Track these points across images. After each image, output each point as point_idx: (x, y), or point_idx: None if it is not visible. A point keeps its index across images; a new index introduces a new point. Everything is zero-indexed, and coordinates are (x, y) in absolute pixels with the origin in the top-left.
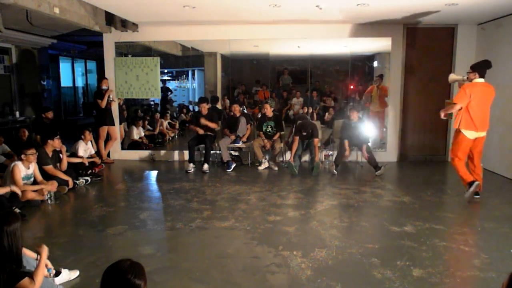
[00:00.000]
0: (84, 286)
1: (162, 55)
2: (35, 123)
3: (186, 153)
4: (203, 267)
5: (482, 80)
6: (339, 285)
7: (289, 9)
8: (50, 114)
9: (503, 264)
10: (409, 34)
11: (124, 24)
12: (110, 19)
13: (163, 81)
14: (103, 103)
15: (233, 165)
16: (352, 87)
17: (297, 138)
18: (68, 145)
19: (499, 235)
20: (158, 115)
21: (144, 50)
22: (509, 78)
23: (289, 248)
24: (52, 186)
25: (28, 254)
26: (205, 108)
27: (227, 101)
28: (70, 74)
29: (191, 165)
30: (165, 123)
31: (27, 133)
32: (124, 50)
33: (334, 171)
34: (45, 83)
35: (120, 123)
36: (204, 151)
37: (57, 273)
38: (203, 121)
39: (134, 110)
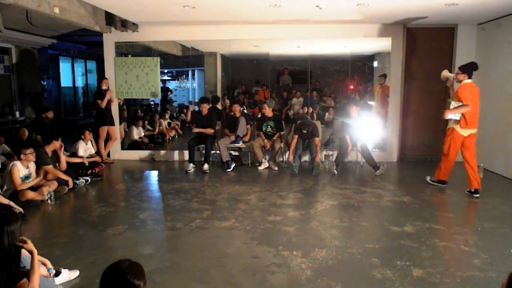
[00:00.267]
0: (84, 286)
1: (162, 55)
2: (35, 123)
3: (186, 153)
4: (203, 267)
5: (470, 80)
6: (339, 285)
7: (289, 9)
8: (50, 114)
9: (503, 264)
10: (409, 34)
11: (124, 24)
12: (110, 19)
13: (163, 81)
14: (103, 103)
15: (233, 165)
16: (352, 87)
17: (296, 137)
18: (68, 145)
19: (499, 235)
20: (157, 115)
21: (144, 50)
22: (509, 78)
23: (289, 248)
24: (49, 178)
25: (26, 253)
26: (205, 108)
27: (227, 101)
28: (70, 74)
29: (191, 165)
30: (164, 123)
31: (27, 132)
32: (124, 50)
33: (334, 171)
34: (45, 83)
35: (120, 123)
36: (204, 151)
37: (57, 273)
38: (196, 129)
39: (134, 110)
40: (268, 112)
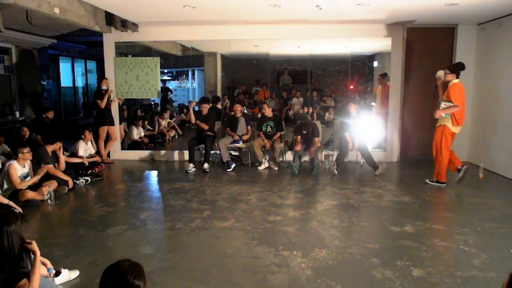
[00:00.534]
0: (84, 286)
1: (162, 55)
2: (36, 123)
3: (186, 153)
4: (203, 267)
5: (458, 80)
6: (339, 285)
7: (289, 9)
8: (50, 114)
9: (503, 264)
10: (409, 34)
11: (124, 24)
12: (110, 19)
13: (163, 81)
14: (103, 103)
15: (233, 165)
16: (352, 87)
17: (299, 137)
18: (68, 145)
19: (499, 235)
20: (157, 116)
21: (144, 50)
22: (509, 78)
23: (289, 248)
24: (43, 170)
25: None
26: (205, 108)
27: (227, 101)
28: (70, 74)
29: (191, 165)
30: (163, 123)
31: (28, 132)
32: (124, 50)
33: (335, 171)
34: (45, 83)
35: (120, 123)
36: (204, 151)
37: (57, 273)
38: (197, 121)
39: (134, 110)
40: (268, 112)
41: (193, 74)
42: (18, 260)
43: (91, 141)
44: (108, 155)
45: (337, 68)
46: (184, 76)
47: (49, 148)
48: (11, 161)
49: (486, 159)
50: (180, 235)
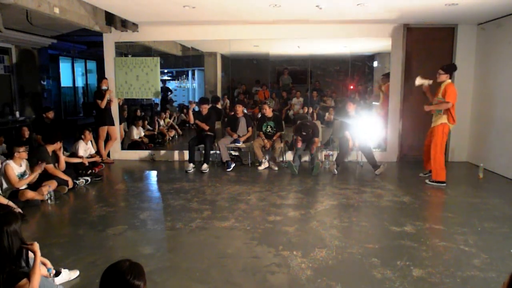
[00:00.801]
0: (84, 286)
1: (162, 55)
2: (36, 123)
3: (186, 153)
4: (203, 267)
5: (450, 81)
6: (339, 285)
7: (289, 9)
8: (50, 114)
9: (503, 264)
10: (409, 34)
11: (124, 24)
12: (110, 19)
13: (163, 81)
14: (103, 103)
15: (233, 165)
16: (352, 87)
17: (299, 138)
18: (68, 145)
19: (499, 235)
20: (157, 116)
21: (144, 50)
22: (509, 78)
23: (289, 248)
24: (40, 166)
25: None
26: (205, 108)
27: (227, 101)
28: (70, 74)
29: (191, 165)
30: (162, 122)
31: (28, 132)
32: (124, 50)
33: (335, 171)
34: (45, 83)
35: (120, 123)
36: (204, 151)
37: (57, 273)
38: (197, 121)
39: (134, 110)
40: (268, 112)
41: (193, 74)
42: (18, 260)
43: (91, 141)
44: (108, 155)
45: (337, 68)
46: (184, 76)
47: (49, 148)
48: (7, 161)
49: (486, 159)
50: (180, 235)
